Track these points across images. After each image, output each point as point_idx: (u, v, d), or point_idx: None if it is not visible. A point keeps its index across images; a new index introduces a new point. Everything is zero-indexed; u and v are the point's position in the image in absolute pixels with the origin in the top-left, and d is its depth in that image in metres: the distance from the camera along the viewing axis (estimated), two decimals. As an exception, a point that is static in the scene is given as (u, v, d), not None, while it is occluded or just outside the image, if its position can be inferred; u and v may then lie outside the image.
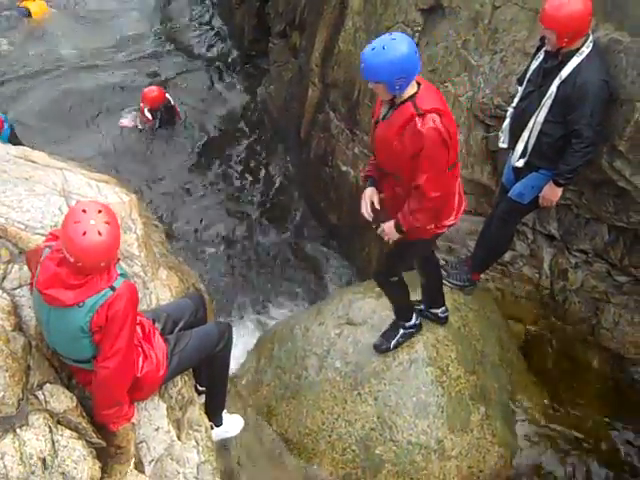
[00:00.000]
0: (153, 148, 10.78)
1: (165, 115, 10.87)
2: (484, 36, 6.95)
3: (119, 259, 4.04)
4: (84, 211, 3.73)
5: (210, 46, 13.37)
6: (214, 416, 5.08)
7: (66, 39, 13.24)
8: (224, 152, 10.90)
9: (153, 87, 11.08)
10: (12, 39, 13.09)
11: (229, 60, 12.95)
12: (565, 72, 5.26)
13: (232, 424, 5.33)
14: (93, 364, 3.95)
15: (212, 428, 5.00)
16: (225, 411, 5.22)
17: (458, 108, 7.02)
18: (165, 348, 4.41)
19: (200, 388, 5.17)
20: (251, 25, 12.39)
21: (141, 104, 10.85)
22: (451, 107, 7.01)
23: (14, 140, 8.24)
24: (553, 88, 5.32)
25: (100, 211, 3.76)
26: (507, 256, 6.67)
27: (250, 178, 10.32)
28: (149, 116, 10.74)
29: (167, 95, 10.96)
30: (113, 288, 3.82)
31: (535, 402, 6.25)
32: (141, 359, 4.22)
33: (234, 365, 6.14)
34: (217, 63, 12.88)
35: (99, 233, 3.68)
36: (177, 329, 4.69)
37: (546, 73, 5.41)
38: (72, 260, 3.70)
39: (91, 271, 3.77)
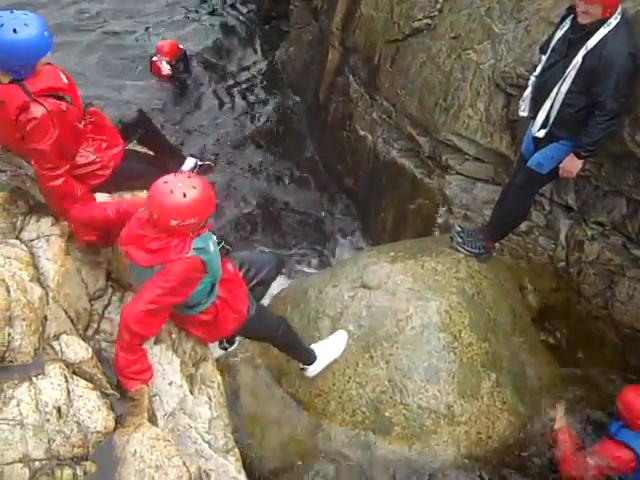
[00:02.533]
0: (168, 106, 10.77)
1: (182, 65, 10.87)
2: (509, 4, 6.90)
3: (199, 233, 4.17)
4: (175, 175, 4.10)
5: (231, 6, 13.29)
6: (304, 361, 5.61)
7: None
8: (242, 113, 10.88)
9: (167, 40, 11.03)
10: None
11: (249, 21, 12.88)
12: (592, 43, 5.19)
13: (329, 348, 5.72)
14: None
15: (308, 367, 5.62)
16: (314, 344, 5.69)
17: (479, 76, 6.98)
18: (247, 304, 4.75)
19: (226, 344, 5.37)
20: (272, -14, 12.33)
21: (155, 58, 10.81)
22: (472, 75, 7.00)
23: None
24: (578, 58, 5.26)
25: (190, 177, 4.11)
26: (523, 226, 6.66)
27: (268, 140, 10.31)
28: (167, 67, 10.71)
29: (180, 45, 10.94)
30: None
31: (547, 372, 6.26)
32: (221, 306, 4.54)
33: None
34: (237, 24, 12.81)
35: (184, 195, 3.96)
36: (254, 281, 5.05)
37: (572, 43, 5.34)
38: (155, 216, 4.00)
39: (164, 228, 4.02)
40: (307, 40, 10.79)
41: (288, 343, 5.38)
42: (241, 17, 12.98)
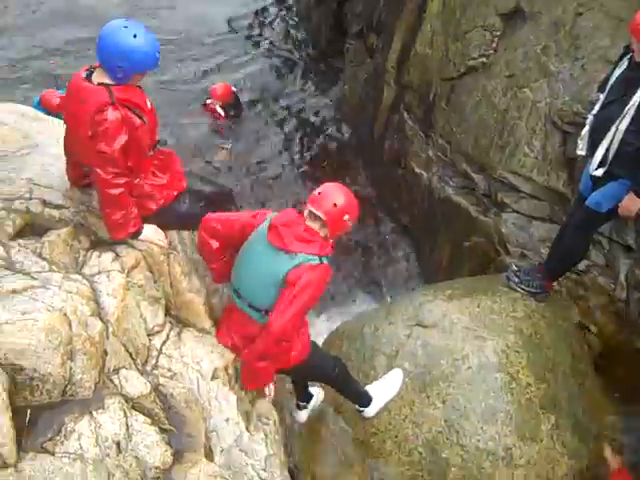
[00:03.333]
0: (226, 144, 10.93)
1: (232, 109, 11.08)
2: (565, 42, 6.89)
3: (334, 245, 4.47)
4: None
5: (285, 46, 13.47)
6: (360, 404, 5.61)
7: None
8: (297, 150, 10.97)
9: (220, 83, 11.22)
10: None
11: (305, 59, 13.03)
12: (649, 82, 5.17)
13: (385, 388, 5.69)
14: (264, 317, 4.39)
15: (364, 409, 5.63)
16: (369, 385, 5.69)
17: (535, 114, 6.96)
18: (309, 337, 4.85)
19: (301, 404, 5.57)
20: (328, 25, 12.48)
21: (209, 101, 11.02)
22: (528, 113, 6.98)
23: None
24: (636, 98, 5.23)
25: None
26: (581, 265, 6.56)
27: (323, 177, 10.32)
28: (221, 112, 10.92)
29: (233, 88, 11.15)
30: (321, 259, 4.28)
31: (609, 416, 6.12)
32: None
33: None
34: (292, 62, 12.97)
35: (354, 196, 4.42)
36: None
37: (630, 82, 5.32)
38: (334, 208, 4.28)
39: (334, 223, 4.31)
40: (362, 78, 10.88)
41: (344, 382, 5.34)
42: (296, 56, 13.14)
